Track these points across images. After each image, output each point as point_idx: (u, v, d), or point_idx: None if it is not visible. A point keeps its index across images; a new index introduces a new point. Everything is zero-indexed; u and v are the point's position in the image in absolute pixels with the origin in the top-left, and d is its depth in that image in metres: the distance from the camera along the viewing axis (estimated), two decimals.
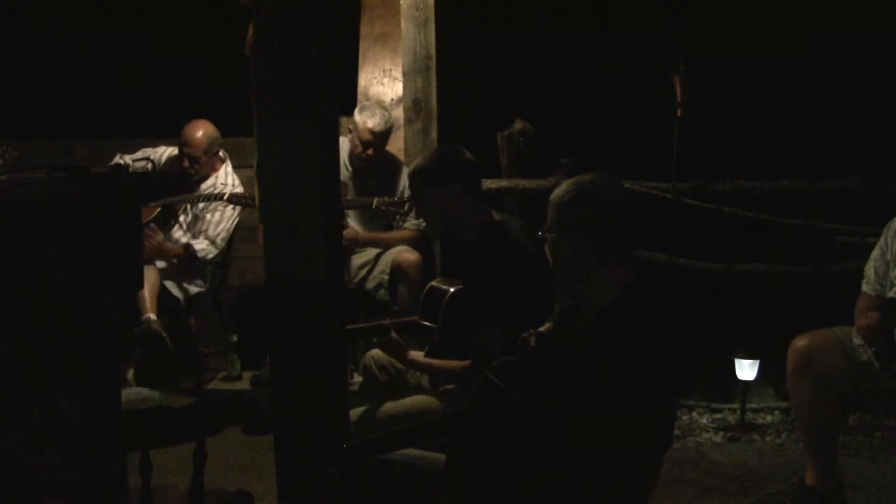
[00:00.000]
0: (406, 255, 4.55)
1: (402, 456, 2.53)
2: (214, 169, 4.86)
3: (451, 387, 3.03)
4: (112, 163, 4.37)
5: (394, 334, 3.09)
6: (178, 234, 4.82)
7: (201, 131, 4.71)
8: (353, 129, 4.58)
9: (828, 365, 3.34)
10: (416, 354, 3.18)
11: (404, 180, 4.61)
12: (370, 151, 4.56)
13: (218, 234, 4.77)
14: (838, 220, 4.80)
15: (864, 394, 3.39)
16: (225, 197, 4.71)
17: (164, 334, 4.36)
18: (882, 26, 6.24)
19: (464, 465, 2.38)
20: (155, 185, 2.19)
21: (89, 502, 1.72)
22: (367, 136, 4.52)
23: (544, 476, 2.26)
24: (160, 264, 4.72)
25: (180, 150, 4.75)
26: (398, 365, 3.24)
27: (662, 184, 4.84)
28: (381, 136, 4.58)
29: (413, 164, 3.17)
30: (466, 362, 2.96)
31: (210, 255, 4.76)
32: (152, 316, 4.43)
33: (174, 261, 4.72)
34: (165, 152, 4.93)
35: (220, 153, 4.87)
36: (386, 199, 4.43)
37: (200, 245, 4.74)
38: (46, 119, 6.40)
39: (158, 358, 4.56)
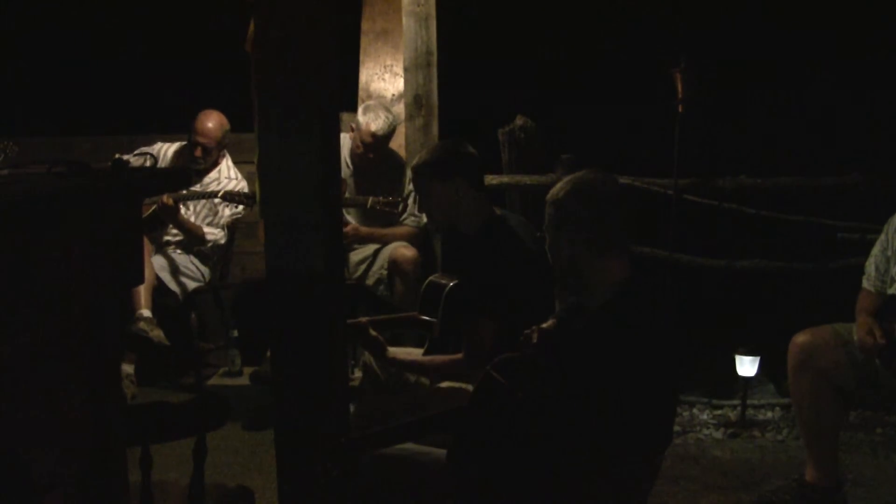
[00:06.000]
0: (403, 250, 4.54)
1: (403, 451, 2.54)
2: (216, 163, 4.87)
3: (445, 385, 3.02)
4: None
5: (372, 331, 3.06)
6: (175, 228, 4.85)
7: (216, 122, 4.75)
8: (356, 129, 4.56)
9: (829, 361, 3.34)
10: (399, 351, 3.17)
11: (406, 179, 4.60)
12: (371, 155, 4.55)
13: (229, 223, 4.87)
14: (839, 217, 4.79)
15: (864, 390, 3.39)
16: (220, 195, 4.71)
17: (151, 334, 4.37)
18: (883, 22, 6.24)
19: (465, 461, 2.38)
20: (156, 180, 2.19)
21: (90, 498, 1.72)
22: (369, 139, 4.50)
23: (546, 472, 2.26)
24: (159, 260, 4.72)
25: (193, 140, 4.75)
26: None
27: (663, 180, 4.83)
28: (383, 140, 4.56)
29: (417, 158, 3.16)
30: (457, 355, 2.96)
31: (219, 240, 4.84)
32: (145, 312, 4.42)
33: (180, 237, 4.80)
34: (171, 148, 4.91)
35: None
36: (381, 198, 4.42)
37: (210, 230, 4.82)
38: (47, 115, 6.40)
39: (150, 357, 4.57)
